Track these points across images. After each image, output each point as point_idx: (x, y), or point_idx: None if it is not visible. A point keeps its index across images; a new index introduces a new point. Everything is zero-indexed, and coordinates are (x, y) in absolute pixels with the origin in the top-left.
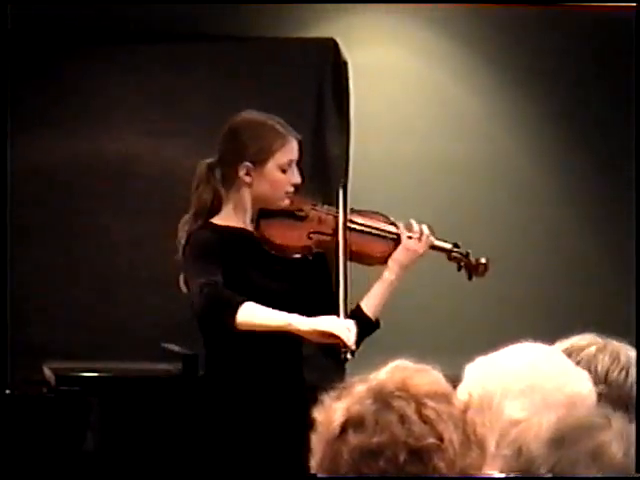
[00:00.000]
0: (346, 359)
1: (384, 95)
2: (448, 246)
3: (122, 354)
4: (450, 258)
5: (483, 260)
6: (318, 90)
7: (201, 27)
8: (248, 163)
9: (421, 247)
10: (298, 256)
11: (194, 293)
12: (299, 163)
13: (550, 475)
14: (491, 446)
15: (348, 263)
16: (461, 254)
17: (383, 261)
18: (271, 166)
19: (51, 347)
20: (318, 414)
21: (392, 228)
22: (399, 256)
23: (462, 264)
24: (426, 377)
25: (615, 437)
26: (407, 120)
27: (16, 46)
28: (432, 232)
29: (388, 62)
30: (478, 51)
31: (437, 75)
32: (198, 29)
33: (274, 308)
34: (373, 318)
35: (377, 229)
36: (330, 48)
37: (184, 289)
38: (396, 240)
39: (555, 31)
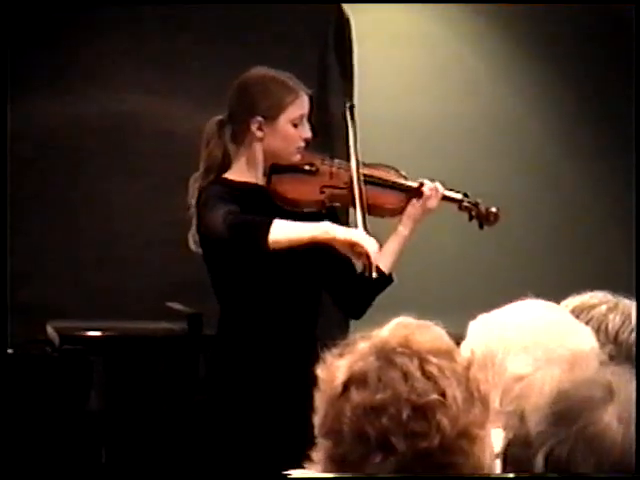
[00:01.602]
0: (371, 276)
1: (387, 54)
2: (459, 196)
3: (125, 313)
4: (461, 208)
5: (494, 209)
6: (321, 48)
7: None
8: (260, 118)
9: (434, 202)
10: (312, 210)
11: (216, 224)
12: (310, 118)
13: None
14: (495, 402)
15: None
16: (471, 203)
17: (396, 213)
18: (283, 120)
19: (54, 307)
20: (320, 372)
21: (410, 182)
22: (414, 211)
23: (473, 213)
24: (429, 334)
25: (617, 413)
26: (411, 79)
27: (16, 9)
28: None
29: (391, 22)
30: (483, 10)
31: (441, 33)
32: None
33: (287, 264)
34: (387, 272)
35: (389, 181)
36: (332, 5)
37: (193, 247)
38: (411, 193)
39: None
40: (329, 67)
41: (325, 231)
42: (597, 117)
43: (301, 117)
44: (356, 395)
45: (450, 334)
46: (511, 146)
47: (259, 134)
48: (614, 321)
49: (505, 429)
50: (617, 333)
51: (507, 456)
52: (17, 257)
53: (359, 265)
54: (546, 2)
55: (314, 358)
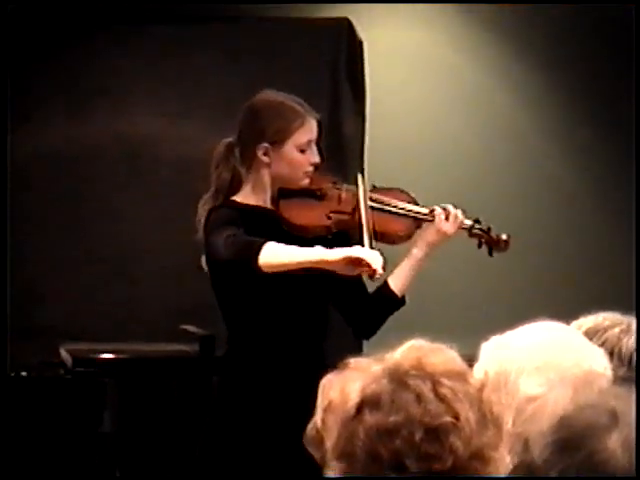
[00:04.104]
0: (373, 280)
1: (399, 75)
2: (469, 222)
3: (139, 335)
4: (471, 235)
5: (504, 236)
6: (333, 71)
7: (216, 8)
8: (266, 144)
9: (451, 229)
10: (319, 235)
11: (217, 247)
12: (318, 143)
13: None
14: (508, 423)
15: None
16: (482, 230)
17: (404, 240)
18: (289, 146)
19: (68, 329)
20: (333, 394)
21: (420, 209)
22: (429, 236)
23: (483, 240)
24: (442, 356)
25: (621, 439)
26: (422, 100)
27: (31, 27)
28: (465, 215)
29: (403, 42)
30: (495, 32)
31: (452, 55)
32: (213, 10)
33: (295, 289)
34: (400, 295)
35: (399, 207)
36: (345, 28)
37: (206, 268)
38: (422, 220)
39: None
40: (342, 88)
41: (318, 255)
42: (609, 145)
43: (309, 142)
44: (369, 417)
45: (463, 356)
46: (524, 166)
47: (266, 159)
48: (628, 343)
49: (510, 453)
50: (631, 356)
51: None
52: (31, 280)
53: (367, 281)
54: (547, 2)
55: (322, 378)
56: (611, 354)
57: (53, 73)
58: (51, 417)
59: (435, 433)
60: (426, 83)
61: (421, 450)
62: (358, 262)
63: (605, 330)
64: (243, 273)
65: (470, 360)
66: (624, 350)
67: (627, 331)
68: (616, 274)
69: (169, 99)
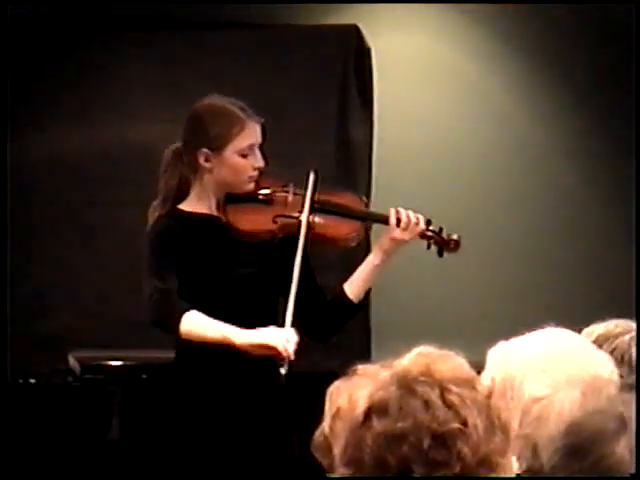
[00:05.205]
0: (279, 373)
1: (407, 81)
2: (422, 226)
3: (146, 343)
4: (422, 236)
5: (455, 237)
6: (341, 77)
7: (222, 14)
8: (206, 149)
9: (407, 235)
10: (265, 240)
11: (145, 296)
12: (262, 147)
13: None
14: (514, 424)
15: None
16: (434, 232)
17: (353, 243)
18: (230, 152)
19: (76, 337)
20: (341, 401)
21: (376, 212)
22: (385, 243)
23: (432, 241)
24: (450, 362)
25: (629, 444)
26: (430, 106)
27: (35, 33)
28: (427, 222)
29: (411, 48)
30: (504, 38)
31: (460, 61)
32: (219, 16)
33: (243, 294)
34: (355, 301)
35: (349, 210)
36: (353, 34)
37: None
38: (371, 222)
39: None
40: (350, 95)
41: (228, 336)
42: (621, 151)
43: (250, 147)
44: (377, 424)
45: (471, 363)
46: (532, 172)
47: (207, 165)
48: (638, 351)
49: (519, 459)
50: None
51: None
52: (39, 288)
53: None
54: (548, 2)
55: (274, 381)
56: (621, 361)
57: (57, 82)
58: (59, 424)
59: (443, 439)
60: (434, 89)
61: (429, 457)
62: (267, 348)
63: (616, 337)
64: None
65: (478, 367)
66: (634, 358)
67: (636, 338)
68: (617, 274)
69: (175, 105)
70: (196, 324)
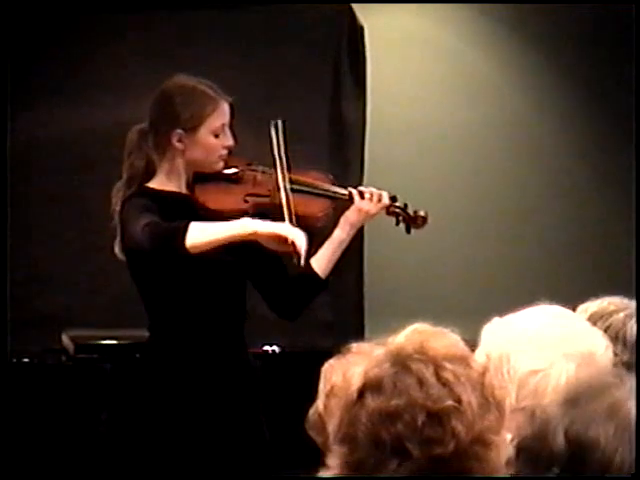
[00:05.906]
0: (300, 265)
1: (400, 61)
2: (387, 201)
3: (140, 322)
4: (389, 213)
5: (422, 213)
6: (334, 56)
7: None
8: (180, 130)
9: (373, 208)
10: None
11: (136, 237)
12: (231, 125)
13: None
14: (511, 399)
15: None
16: (399, 208)
17: (323, 222)
18: (203, 132)
19: (70, 316)
20: (335, 379)
21: (338, 189)
22: (351, 216)
23: (400, 218)
24: (444, 340)
25: (629, 394)
26: (423, 86)
27: (33, 14)
28: (392, 198)
29: (404, 28)
30: (495, 16)
31: (453, 40)
32: None
33: (213, 274)
34: (323, 276)
35: (317, 188)
36: (346, 13)
37: (120, 255)
38: (340, 201)
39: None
40: (343, 74)
41: (244, 225)
42: (615, 141)
43: (222, 126)
44: (371, 401)
45: (465, 340)
46: (523, 152)
47: (180, 146)
48: (632, 329)
49: (518, 429)
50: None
51: (520, 452)
52: (33, 267)
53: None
54: (548, 2)
55: (243, 363)
56: (615, 339)
57: (51, 62)
58: (53, 403)
59: (437, 417)
60: (427, 68)
61: (423, 434)
62: (284, 240)
63: (610, 315)
64: (166, 259)
65: (472, 344)
66: (628, 335)
67: (632, 316)
68: (617, 260)
69: None
70: (206, 229)
